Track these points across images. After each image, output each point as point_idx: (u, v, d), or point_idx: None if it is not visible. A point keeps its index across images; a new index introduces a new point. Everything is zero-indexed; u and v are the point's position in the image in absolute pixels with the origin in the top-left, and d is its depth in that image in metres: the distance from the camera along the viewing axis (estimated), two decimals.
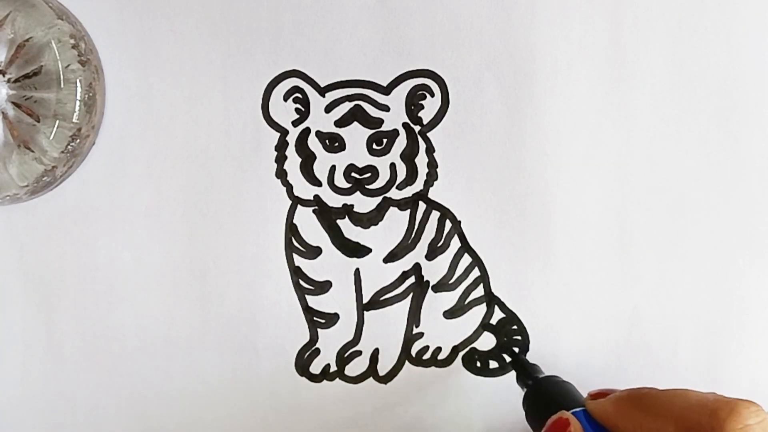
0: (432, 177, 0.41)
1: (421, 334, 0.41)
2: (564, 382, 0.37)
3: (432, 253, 0.41)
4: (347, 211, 0.41)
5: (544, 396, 0.37)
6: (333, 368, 0.41)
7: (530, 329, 0.41)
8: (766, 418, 0.28)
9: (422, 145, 0.41)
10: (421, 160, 0.41)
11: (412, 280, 0.41)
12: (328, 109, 0.41)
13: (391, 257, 0.41)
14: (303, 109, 0.41)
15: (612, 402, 0.32)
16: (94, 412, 0.41)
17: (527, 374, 0.39)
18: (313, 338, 0.41)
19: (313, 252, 0.41)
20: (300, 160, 0.41)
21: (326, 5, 0.41)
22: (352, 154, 0.41)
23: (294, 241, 0.41)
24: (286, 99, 0.41)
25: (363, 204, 0.41)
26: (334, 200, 0.41)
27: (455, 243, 0.41)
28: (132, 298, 0.41)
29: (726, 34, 0.41)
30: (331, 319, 0.41)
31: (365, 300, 0.41)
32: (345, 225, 0.41)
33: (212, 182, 0.41)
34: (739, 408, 0.27)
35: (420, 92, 0.41)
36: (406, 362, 0.41)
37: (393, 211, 0.41)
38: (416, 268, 0.41)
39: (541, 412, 0.35)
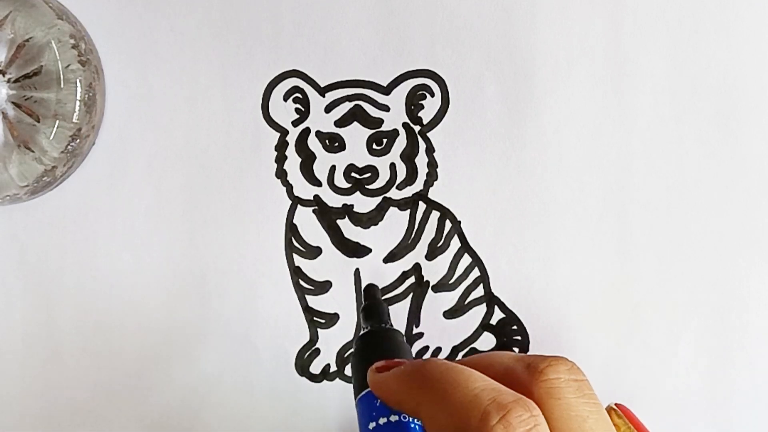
0: (432, 177, 0.41)
1: (421, 334, 0.41)
2: (402, 342, 0.34)
3: (432, 253, 0.41)
4: (347, 211, 0.41)
5: (372, 347, 0.34)
6: (333, 368, 0.41)
7: (530, 329, 0.41)
8: (540, 426, 0.24)
9: (422, 145, 0.41)
10: (421, 160, 0.41)
11: (412, 280, 0.41)
12: (328, 109, 0.41)
13: (391, 257, 0.41)
14: (303, 109, 0.41)
15: (394, 377, 0.28)
16: (94, 412, 0.41)
17: (374, 319, 0.36)
18: (313, 338, 0.41)
19: (313, 252, 0.41)
20: (300, 160, 0.41)
21: (326, 5, 0.41)
22: (352, 154, 0.41)
23: (294, 241, 0.41)
24: (286, 99, 0.41)
25: (363, 204, 0.41)
26: (334, 200, 0.41)
27: (455, 243, 0.41)
28: (132, 298, 0.41)
29: (726, 34, 0.41)
30: (331, 319, 0.41)
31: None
32: (345, 225, 0.41)
33: (212, 182, 0.41)
34: (510, 408, 0.24)
35: (420, 92, 0.41)
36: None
37: (393, 211, 0.41)
38: (416, 268, 0.41)
39: (362, 363, 0.32)
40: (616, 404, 0.40)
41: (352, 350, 0.36)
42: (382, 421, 0.29)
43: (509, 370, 0.26)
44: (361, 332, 0.35)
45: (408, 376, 0.28)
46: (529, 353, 0.28)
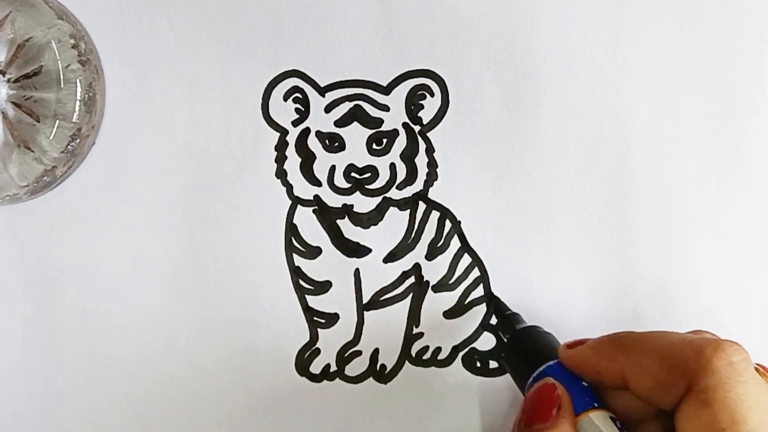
0: (432, 177, 0.41)
1: (421, 334, 0.41)
2: (545, 332, 0.37)
3: (432, 253, 0.41)
4: (347, 211, 0.41)
5: (524, 348, 0.37)
6: (333, 368, 0.41)
7: None
8: (748, 357, 0.28)
9: (422, 145, 0.41)
10: (421, 160, 0.41)
11: (411, 280, 0.41)
12: (328, 109, 0.41)
13: (391, 257, 0.41)
14: (303, 109, 0.41)
15: (591, 348, 0.31)
16: (94, 412, 0.41)
17: (508, 324, 0.39)
18: (313, 338, 0.41)
19: (313, 252, 0.41)
20: (300, 160, 0.41)
21: (326, 5, 0.41)
22: (352, 154, 0.41)
23: (294, 241, 0.41)
24: (285, 99, 0.41)
25: (363, 204, 0.41)
26: (334, 200, 0.41)
27: (455, 243, 0.41)
28: (132, 298, 0.41)
29: (726, 34, 0.41)
30: (331, 319, 0.41)
31: (365, 300, 0.41)
32: (345, 225, 0.41)
33: (212, 182, 0.41)
34: (725, 345, 0.28)
35: (420, 92, 0.41)
36: (406, 362, 0.41)
37: (393, 211, 0.41)
38: (416, 268, 0.41)
39: (521, 365, 0.36)
40: (757, 364, 0.39)
41: (503, 349, 0.39)
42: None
43: (676, 350, 0.29)
44: (508, 333, 0.38)
45: (607, 344, 0.31)
46: (687, 333, 0.31)
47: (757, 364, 0.36)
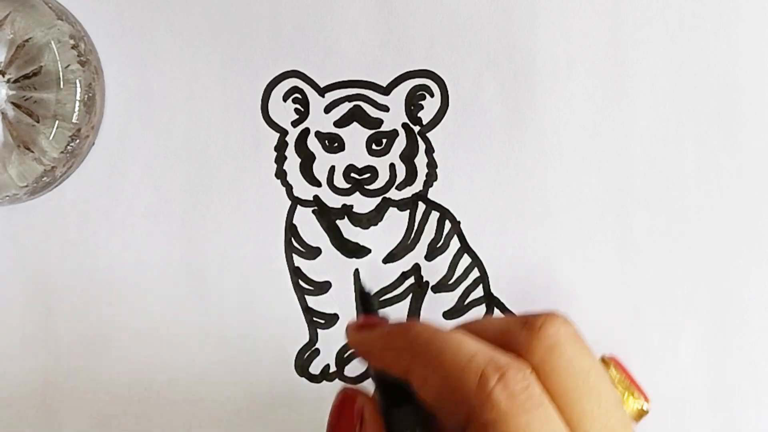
0: (431, 177, 0.41)
1: None
2: None
3: (431, 253, 0.41)
4: (347, 211, 0.41)
5: None
6: (333, 368, 0.41)
7: None
8: (533, 382, 0.24)
9: (422, 146, 0.41)
10: (421, 161, 0.41)
11: (411, 280, 0.41)
12: (328, 109, 0.41)
13: (391, 258, 0.41)
14: (302, 110, 0.41)
15: (381, 336, 0.27)
16: (94, 412, 0.42)
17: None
18: (313, 338, 0.41)
19: (313, 252, 0.41)
20: (299, 160, 0.41)
21: (326, 5, 0.41)
22: (352, 154, 0.41)
23: (294, 242, 0.41)
24: (285, 99, 0.41)
25: (362, 204, 0.41)
26: (334, 201, 0.41)
27: (455, 243, 0.41)
28: (132, 298, 0.41)
29: (726, 34, 0.41)
30: (331, 319, 0.41)
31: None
32: (344, 225, 0.41)
33: (212, 182, 0.41)
34: (506, 371, 0.24)
35: (420, 92, 0.41)
36: None
37: (392, 211, 0.41)
38: (416, 269, 0.41)
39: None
40: (608, 356, 0.39)
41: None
42: None
43: (503, 332, 0.26)
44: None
45: (395, 336, 0.26)
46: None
47: (608, 357, 0.36)
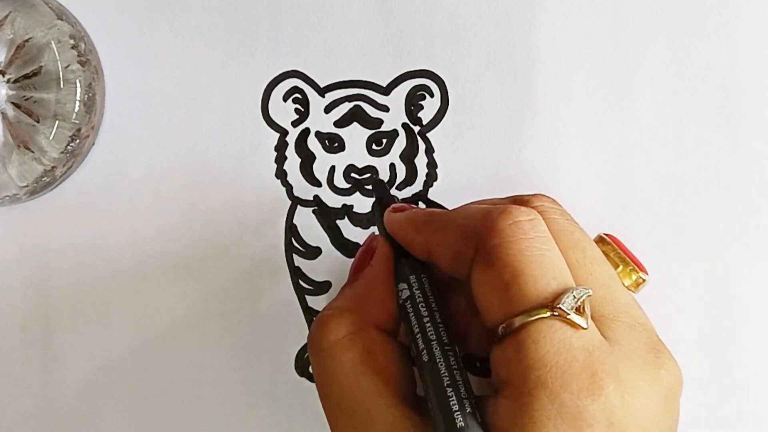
0: (431, 177, 0.41)
1: None
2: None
3: None
4: (347, 211, 0.41)
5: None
6: None
7: None
8: (538, 219, 0.28)
9: (422, 146, 0.41)
10: (421, 161, 0.41)
11: None
12: (328, 109, 0.41)
13: None
14: (302, 110, 0.41)
15: (407, 218, 0.32)
16: (94, 412, 0.42)
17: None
18: None
19: (313, 252, 0.41)
20: (299, 160, 0.41)
21: (326, 5, 0.41)
22: (352, 154, 0.41)
23: (294, 242, 0.41)
24: (285, 99, 0.41)
25: (363, 204, 0.41)
26: (334, 201, 0.41)
27: None
28: (132, 298, 0.41)
29: (726, 34, 0.41)
30: None
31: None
32: (345, 225, 0.41)
33: (212, 182, 0.41)
34: (512, 208, 0.28)
35: (419, 93, 0.41)
36: None
37: None
38: None
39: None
40: (604, 233, 0.39)
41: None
42: None
43: (471, 220, 0.29)
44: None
45: (420, 217, 0.32)
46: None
47: (603, 234, 0.37)
